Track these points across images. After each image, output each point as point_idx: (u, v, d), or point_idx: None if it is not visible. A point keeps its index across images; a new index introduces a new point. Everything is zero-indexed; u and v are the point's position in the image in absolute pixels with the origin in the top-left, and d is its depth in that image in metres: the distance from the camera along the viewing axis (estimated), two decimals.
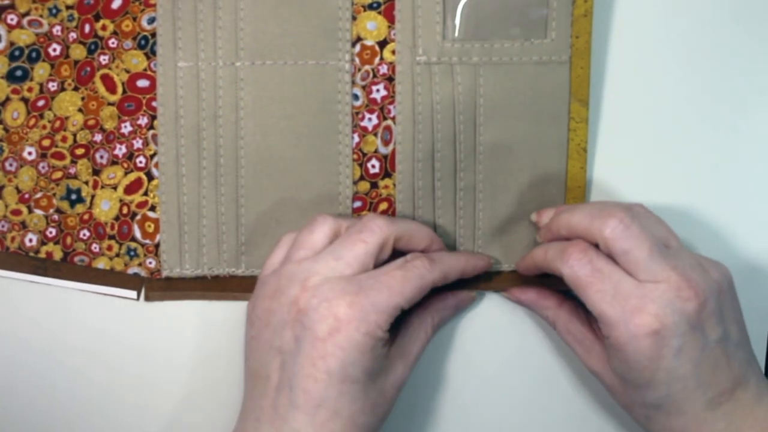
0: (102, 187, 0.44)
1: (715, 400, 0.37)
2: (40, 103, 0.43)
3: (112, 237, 0.44)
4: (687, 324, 0.36)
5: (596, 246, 0.38)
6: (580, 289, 0.37)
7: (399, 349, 0.40)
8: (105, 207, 0.44)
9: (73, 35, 0.43)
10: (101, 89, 0.43)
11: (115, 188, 0.44)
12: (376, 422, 0.38)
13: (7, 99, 0.43)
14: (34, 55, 0.43)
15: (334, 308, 0.36)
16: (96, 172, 0.44)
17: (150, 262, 0.44)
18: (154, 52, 0.43)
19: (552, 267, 0.39)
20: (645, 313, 0.36)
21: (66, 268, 0.44)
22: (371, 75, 0.43)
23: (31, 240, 0.44)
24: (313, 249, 0.39)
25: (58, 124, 0.44)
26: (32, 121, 0.44)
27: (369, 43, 0.43)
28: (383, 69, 0.43)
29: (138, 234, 0.44)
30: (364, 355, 0.36)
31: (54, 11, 0.43)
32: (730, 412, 0.37)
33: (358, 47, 0.43)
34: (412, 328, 0.41)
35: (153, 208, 0.44)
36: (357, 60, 0.43)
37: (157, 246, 0.44)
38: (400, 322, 0.40)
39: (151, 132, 0.43)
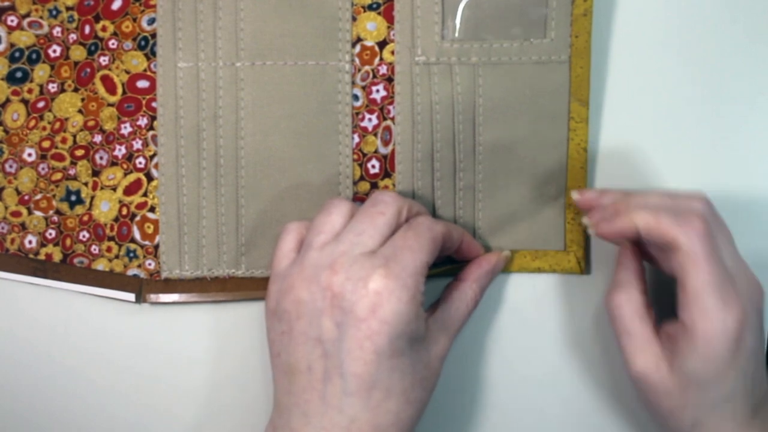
0: (101, 188, 0.44)
1: (756, 407, 0.37)
2: (40, 104, 0.44)
3: (111, 238, 0.44)
4: (757, 323, 0.36)
5: None
6: (692, 266, 0.36)
7: (439, 321, 0.40)
8: (104, 208, 0.44)
9: (73, 36, 0.43)
10: (101, 90, 0.43)
11: (114, 189, 0.44)
12: (426, 396, 0.38)
13: (7, 100, 0.43)
14: (34, 56, 0.43)
15: (370, 284, 0.36)
16: (96, 173, 0.44)
17: (149, 264, 0.44)
18: (154, 53, 0.43)
19: (664, 232, 0.36)
20: (739, 307, 0.35)
21: (65, 269, 0.44)
22: (371, 75, 0.43)
23: (30, 242, 0.44)
24: (332, 232, 0.38)
25: (57, 125, 0.44)
26: (32, 123, 0.44)
27: (369, 43, 0.43)
28: (383, 69, 0.43)
29: (137, 235, 0.44)
30: (408, 325, 0.36)
31: (54, 12, 0.43)
32: (765, 421, 0.37)
33: (357, 48, 0.43)
34: (451, 300, 0.41)
35: (152, 209, 0.44)
36: (357, 60, 0.43)
37: (156, 247, 0.44)
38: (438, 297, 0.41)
39: (150, 133, 0.43)
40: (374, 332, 0.35)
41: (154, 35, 0.43)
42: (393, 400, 0.36)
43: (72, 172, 0.44)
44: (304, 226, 0.40)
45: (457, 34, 0.42)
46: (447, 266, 0.43)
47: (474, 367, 0.45)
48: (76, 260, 0.44)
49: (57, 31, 0.43)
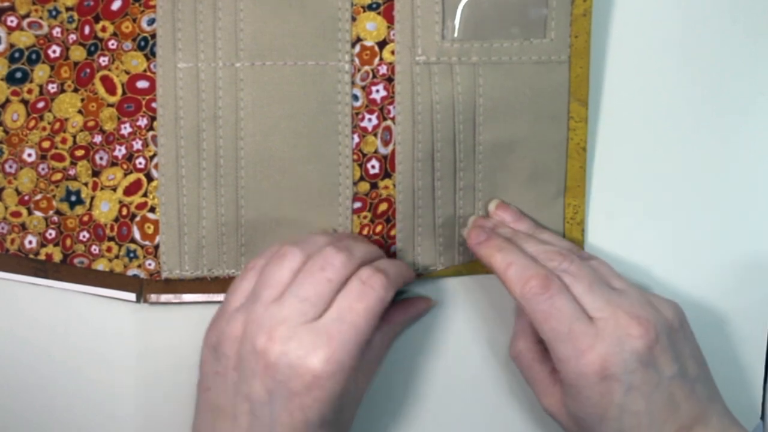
0: (101, 189, 0.44)
1: (680, 430, 0.37)
2: (40, 104, 0.43)
3: (111, 239, 0.44)
4: (638, 361, 0.36)
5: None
6: (536, 322, 0.37)
7: (364, 368, 0.40)
8: (104, 208, 0.44)
9: (72, 37, 0.43)
10: (101, 90, 0.43)
11: (114, 189, 0.44)
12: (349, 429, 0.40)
13: (7, 101, 0.43)
14: (33, 56, 0.43)
15: (309, 365, 0.35)
16: (95, 174, 0.44)
17: (149, 264, 0.44)
18: (153, 54, 0.43)
19: (507, 286, 0.38)
20: (594, 352, 0.36)
21: (66, 269, 0.44)
22: (371, 75, 0.43)
23: (30, 242, 0.44)
24: (278, 287, 0.38)
25: (57, 125, 0.44)
26: (32, 123, 0.44)
27: (368, 43, 0.43)
28: (383, 69, 0.43)
29: (137, 235, 0.44)
30: (342, 399, 0.36)
31: (54, 13, 0.43)
32: None
33: (357, 48, 0.43)
34: (373, 344, 0.40)
35: (153, 210, 0.44)
36: (357, 60, 0.43)
37: (156, 247, 0.44)
38: None
39: (150, 133, 0.43)
40: (306, 406, 0.36)
41: (153, 36, 0.43)
42: None
43: (72, 172, 0.44)
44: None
45: (456, 34, 0.42)
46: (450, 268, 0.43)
47: (472, 367, 0.45)
48: (76, 260, 0.44)
49: (57, 32, 0.43)
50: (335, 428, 0.38)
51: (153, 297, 0.44)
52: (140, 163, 0.43)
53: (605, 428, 0.37)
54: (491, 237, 0.41)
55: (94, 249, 0.44)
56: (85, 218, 0.44)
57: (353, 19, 0.43)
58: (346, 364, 0.36)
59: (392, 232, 0.44)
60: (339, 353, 0.36)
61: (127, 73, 0.43)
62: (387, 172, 0.43)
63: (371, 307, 0.37)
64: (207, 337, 0.39)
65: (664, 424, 0.36)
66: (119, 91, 0.43)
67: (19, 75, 0.43)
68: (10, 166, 0.44)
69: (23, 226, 0.44)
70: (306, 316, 0.37)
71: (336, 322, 0.36)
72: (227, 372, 0.38)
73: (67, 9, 0.43)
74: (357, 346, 0.36)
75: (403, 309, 0.43)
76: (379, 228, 0.44)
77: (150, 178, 0.44)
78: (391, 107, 0.43)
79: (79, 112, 0.44)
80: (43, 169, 0.44)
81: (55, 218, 0.44)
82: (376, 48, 0.43)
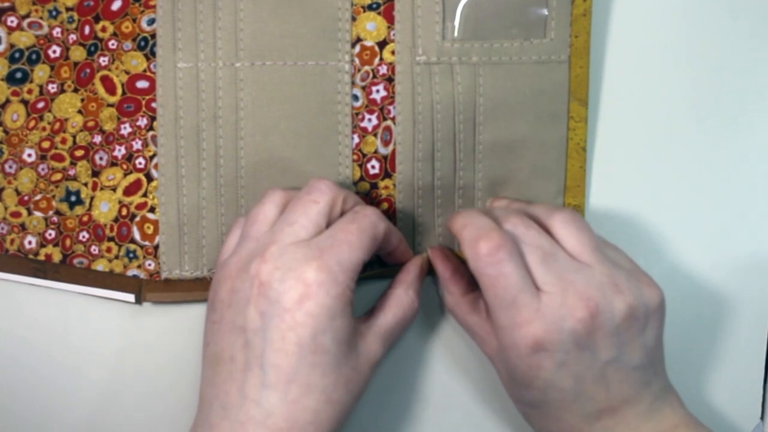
0: (101, 189, 0.44)
1: (594, 414, 0.37)
2: (40, 104, 0.43)
3: (111, 239, 0.44)
4: (574, 343, 0.36)
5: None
6: (482, 286, 0.37)
7: (373, 327, 0.39)
8: (104, 209, 0.44)
9: (72, 37, 0.43)
10: (101, 91, 0.43)
11: (114, 190, 0.44)
12: (350, 400, 0.37)
13: (7, 101, 0.43)
14: (34, 57, 0.43)
15: (301, 275, 0.35)
16: (95, 174, 0.44)
17: (149, 264, 0.44)
18: (153, 54, 0.43)
19: (462, 247, 0.38)
20: (532, 326, 0.36)
21: (65, 270, 0.44)
22: (371, 75, 0.43)
23: (30, 242, 0.44)
24: (266, 221, 0.38)
25: (57, 125, 0.44)
26: (32, 123, 0.44)
27: (368, 43, 0.43)
28: (383, 69, 0.43)
29: (137, 236, 0.44)
30: (334, 321, 0.35)
31: (54, 13, 0.43)
32: (610, 427, 0.37)
33: (357, 48, 0.43)
34: (387, 308, 0.40)
35: (152, 210, 0.44)
36: (357, 60, 0.43)
37: (156, 248, 0.44)
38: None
39: (150, 133, 0.43)
40: (298, 324, 0.35)
41: (153, 36, 0.43)
42: (312, 398, 0.35)
43: (72, 172, 0.44)
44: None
45: (456, 34, 0.42)
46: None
47: (473, 365, 0.45)
48: (75, 261, 0.44)
49: (57, 32, 0.43)
50: (335, 369, 0.36)
51: (152, 297, 0.44)
52: (140, 163, 0.43)
53: (530, 395, 0.37)
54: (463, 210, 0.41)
55: (94, 249, 0.44)
56: (85, 218, 0.44)
57: (353, 19, 0.43)
58: (339, 277, 0.36)
59: None
60: (331, 263, 0.36)
61: (127, 73, 0.43)
62: (387, 172, 0.43)
63: (364, 227, 0.37)
64: (209, 296, 0.39)
65: (587, 402, 0.37)
66: (119, 91, 0.43)
67: (19, 75, 0.43)
68: (10, 167, 0.44)
69: (23, 227, 0.44)
70: (297, 236, 0.37)
71: (328, 239, 0.37)
72: (223, 315, 0.37)
73: (67, 9, 0.43)
74: (350, 262, 0.36)
75: (405, 270, 0.42)
76: None
77: (150, 178, 0.44)
78: (391, 107, 0.43)
79: (79, 112, 0.44)
80: (42, 169, 0.44)
81: (55, 218, 0.44)
82: (376, 48, 0.43)
